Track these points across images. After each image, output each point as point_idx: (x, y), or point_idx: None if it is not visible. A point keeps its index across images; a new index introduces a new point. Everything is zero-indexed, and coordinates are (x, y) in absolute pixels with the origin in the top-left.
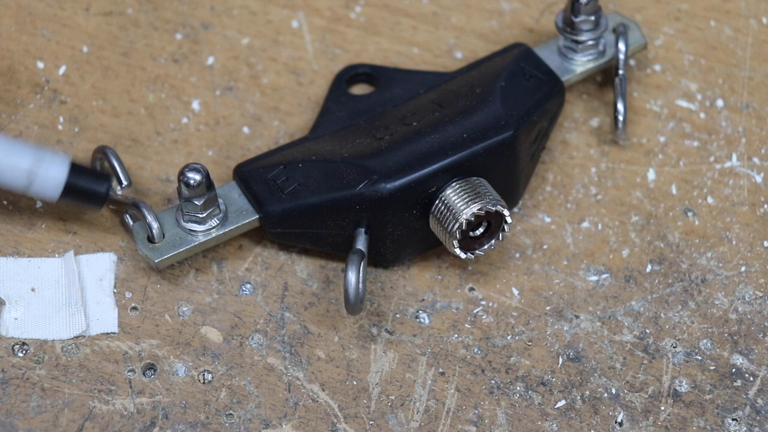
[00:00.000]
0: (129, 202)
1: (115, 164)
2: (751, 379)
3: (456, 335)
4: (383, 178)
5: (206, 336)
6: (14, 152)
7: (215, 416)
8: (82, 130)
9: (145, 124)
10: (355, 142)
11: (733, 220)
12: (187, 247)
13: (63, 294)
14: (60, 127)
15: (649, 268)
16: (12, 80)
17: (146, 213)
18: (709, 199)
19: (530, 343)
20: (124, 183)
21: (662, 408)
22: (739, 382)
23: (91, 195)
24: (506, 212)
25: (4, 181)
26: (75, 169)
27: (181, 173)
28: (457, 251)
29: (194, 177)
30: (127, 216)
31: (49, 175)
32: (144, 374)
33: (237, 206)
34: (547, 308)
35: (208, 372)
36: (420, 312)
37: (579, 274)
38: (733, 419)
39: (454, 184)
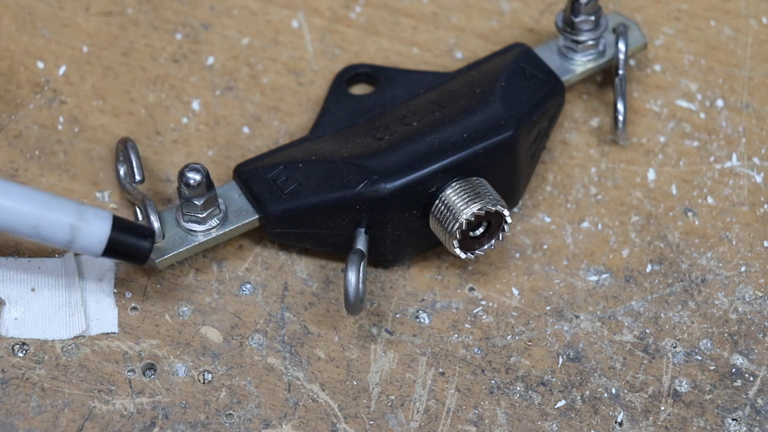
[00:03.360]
0: (138, 198)
1: (132, 158)
2: (751, 379)
3: (456, 335)
4: (383, 178)
5: (206, 336)
6: (57, 208)
7: (215, 416)
8: (82, 130)
9: (145, 124)
10: (355, 142)
11: (733, 220)
12: (187, 247)
13: (63, 294)
14: (60, 127)
15: (649, 268)
16: (12, 80)
17: (150, 213)
18: (709, 199)
19: (530, 343)
20: (137, 178)
21: (662, 408)
22: (739, 382)
23: (134, 251)
24: (506, 212)
25: (46, 237)
26: (118, 224)
27: (181, 173)
28: (457, 251)
29: (194, 177)
30: (138, 210)
31: (92, 230)
32: (144, 374)
33: (237, 206)
34: (547, 308)
35: (208, 372)
36: (420, 312)
37: (579, 274)
38: (733, 419)
39: (454, 184)
